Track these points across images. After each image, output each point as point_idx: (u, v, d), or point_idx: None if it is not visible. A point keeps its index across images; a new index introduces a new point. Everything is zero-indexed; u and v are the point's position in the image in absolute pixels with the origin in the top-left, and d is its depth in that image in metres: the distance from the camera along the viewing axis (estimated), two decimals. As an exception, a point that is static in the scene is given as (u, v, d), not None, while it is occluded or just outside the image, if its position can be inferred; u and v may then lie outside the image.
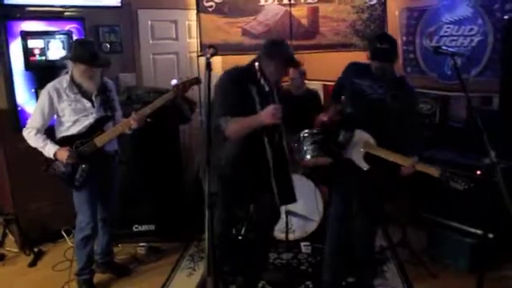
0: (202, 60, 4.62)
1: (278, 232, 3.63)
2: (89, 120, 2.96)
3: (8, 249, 3.77)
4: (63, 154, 2.86)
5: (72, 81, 2.93)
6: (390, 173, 2.84)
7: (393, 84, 2.84)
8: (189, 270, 3.41)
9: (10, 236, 3.89)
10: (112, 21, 4.03)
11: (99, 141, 2.96)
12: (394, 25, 4.35)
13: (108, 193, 3.19)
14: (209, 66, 2.12)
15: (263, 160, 2.64)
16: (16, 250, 3.74)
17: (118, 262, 3.53)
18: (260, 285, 3.13)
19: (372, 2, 4.28)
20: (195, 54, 4.56)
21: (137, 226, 3.83)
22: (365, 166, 2.82)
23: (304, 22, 4.40)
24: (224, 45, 4.45)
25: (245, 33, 4.47)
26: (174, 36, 4.58)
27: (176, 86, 3.06)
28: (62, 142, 2.93)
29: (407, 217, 3.63)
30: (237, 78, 2.64)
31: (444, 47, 2.50)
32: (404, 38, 4.36)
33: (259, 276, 3.11)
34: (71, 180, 2.94)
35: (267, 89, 2.61)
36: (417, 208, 3.66)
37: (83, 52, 2.86)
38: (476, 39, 3.84)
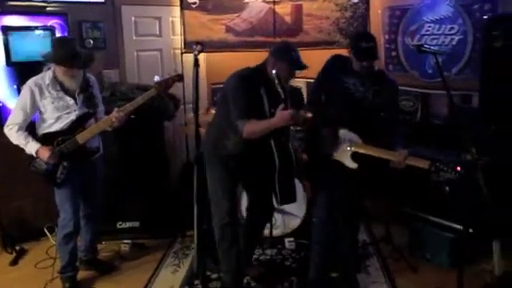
0: (186, 57, 4.65)
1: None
2: (71, 117, 2.94)
3: (-9, 246, 3.74)
4: (45, 153, 2.84)
5: (54, 78, 2.91)
6: (378, 169, 2.89)
7: (374, 79, 2.87)
8: (173, 266, 3.41)
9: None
10: (95, 17, 3.99)
11: (81, 138, 2.94)
12: (377, 23, 4.41)
13: (90, 189, 3.17)
14: (196, 62, 2.13)
15: (269, 160, 2.67)
16: (-2, 247, 3.71)
17: (102, 259, 3.51)
18: (245, 281, 3.16)
19: (355, 1, 4.32)
20: (179, 51, 4.53)
21: (121, 222, 3.81)
22: (353, 166, 2.84)
23: (287, 19, 4.43)
24: (208, 42, 4.44)
25: (228, 30, 4.47)
26: (158, 32, 4.56)
27: (158, 83, 3.05)
28: (44, 139, 2.91)
29: (390, 213, 3.69)
30: (247, 79, 2.67)
31: (426, 45, 2.54)
32: (386, 37, 4.41)
33: (243, 272, 3.12)
34: (53, 177, 2.92)
35: (279, 89, 2.60)
36: (399, 204, 3.72)
37: (64, 52, 2.82)
38: (456, 38, 3.92)
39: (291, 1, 4.40)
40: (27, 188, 3.59)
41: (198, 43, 2.20)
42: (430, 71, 4.15)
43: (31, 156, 2.89)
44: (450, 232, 3.29)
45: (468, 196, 3.14)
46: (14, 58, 3.43)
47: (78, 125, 2.96)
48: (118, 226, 3.81)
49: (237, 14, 4.45)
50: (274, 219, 3.66)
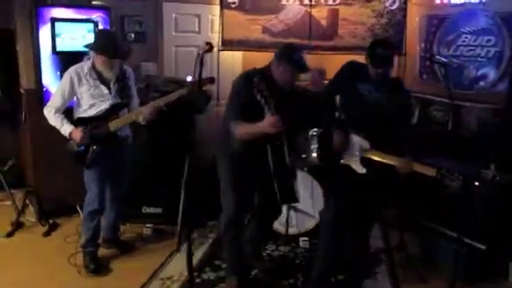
0: (223, 54, 4.83)
1: (279, 225, 3.76)
2: (105, 105, 3.16)
3: (27, 218, 4.05)
4: (77, 135, 3.09)
5: (93, 67, 3.14)
6: (387, 175, 2.91)
7: (389, 86, 2.89)
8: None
9: (31, 207, 4.19)
10: (137, 12, 4.24)
11: (112, 125, 3.15)
12: (413, 31, 4.37)
13: (117, 173, 3.38)
14: (201, 61, 2.25)
15: (264, 162, 2.71)
16: (34, 220, 4.02)
17: (124, 239, 3.74)
18: (253, 273, 3.27)
19: (392, 8, 4.31)
20: (216, 49, 4.70)
21: (145, 207, 4.01)
22: (361, 170, 2.89)
23: (323, 23, 4.49)
24: (245, 41, 4.60)
25: (265, 30, 4.59)
26: (197, 30, 4.75)
27: (191, 83, 3.22)
28: (78, 123, 3.15)
29: (406, 222, 3.67)
30: (249, 80, 2.67)
31: (437, 57, 2.55)
32: (422, 45, 4.37)
33: (251, 265, 3.24)
34: (83, 159, 3.16)
35: (258, 98, 2.60)
36: (417, 214, 3.69)
37: (106, 43, 3.05)
38: (492, 50, 3.83)
39: (328, 5, 4.46)
40: (63, 167, 3.85)
41: (207, 43, 2.32)
42: (464, 83, 4.07)
43: (66, 138, 3.15)
44: (464, 247, 3.24)
45: (483, 212, 3.11)
46: (59, 48, 3.71)
47: (111, 113, 3.17)
48: (142, 210, 4.01)
49: (274, 16, 4.56)
50: (290, 218, 3.77)
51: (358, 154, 2.91)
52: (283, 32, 4.56)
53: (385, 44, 2.87)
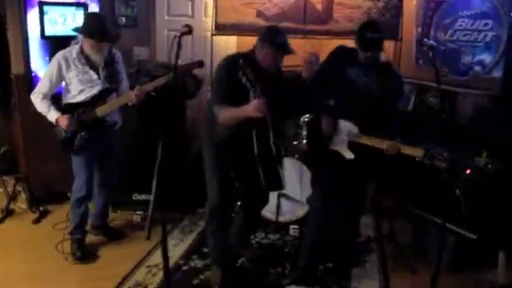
0: (216, 39, 4.75)
1: (269, 213, 3.75)
2: (93, 91, 3.12)
3: (18, 205, 4.04)
4: (64, 121, 3.05)
5: (81, 52, 3.08)
6: (376, 160, 2.85)
7: (379, 70, 2.83)
8: (177, 240, 3.57)
9: (23, 194, 4.18)
10: (128, -5, 4.17)
11: (100, 111, 3.11)
12: (410, 15, 4.27)
13: (106, 159, 3.36)
14: (179, 44, 2.19)
15: (249, 148, 2.67)
16: (24, 207, 4.00)
17: (114, 226, 3.73)
18: (240, 261, 3.25)
19: (389, -10, 4.21)
20: (210, 33, 4.62)
21: (136, 194, 3.98)
22: (350, 155, 2.85)
23: (318, 7, 4.39)
24: (238, 25, 4.51)
25: (259, 14, 4.49)
26: (190, 13, 4.67)
27: (179, 66, 3.16)
28: (66, 109, 3.11)
29: (397, 210, 3.63)
30: (233, 64, 2.63)
31: (426, 40, 2.49)
32: (419, 30, 4.27)
33: (238, 253, 3.22)
34: (70, 145, 3.12)
35: (243, 81, 2.54)
36: (407, 201, 3.65)
37: (94, 27, 2.99)
38: (490, 34, 3.72)
39: (323, -12, 4.36)
40: (54, 154, 3.82)
41: (186, 25, 2.25)
42: (462, 68, 3.98)
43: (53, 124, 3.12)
44: (453, 236, 3.20)
45: (475, 200, 3.05)
46: (47, 32, 3.65)
47: (99, 98, 3.12)
48: (133, 197, 3.98)
49: (268, -1, 4.47)
50: (280, 205, 3.74)
51: (346, 139, 2.86)
52: (277, 16, 4.47)
53: (374, 27, 2.79)
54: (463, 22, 3.88)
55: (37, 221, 3.81)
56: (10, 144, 4.59)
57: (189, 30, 2.23)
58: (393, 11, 4.20)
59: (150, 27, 4.43)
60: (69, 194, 4.01)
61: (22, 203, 4.07)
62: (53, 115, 3.06)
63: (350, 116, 2.88)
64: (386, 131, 2.74)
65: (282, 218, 3.75)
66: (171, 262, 3.20)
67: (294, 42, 4.52)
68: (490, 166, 2.74)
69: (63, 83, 3.14)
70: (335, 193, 2.87)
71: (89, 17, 3.16)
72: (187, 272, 3.12)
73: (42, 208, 3.92)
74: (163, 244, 2.15)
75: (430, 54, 2.36)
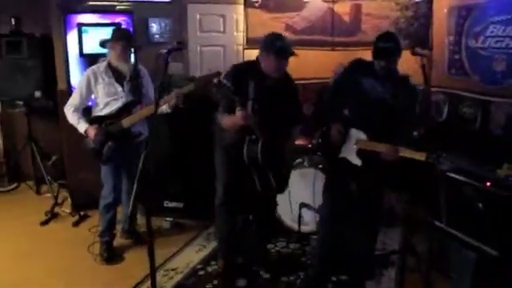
0: (248, 52, 4.89)
1: (291, 222, 3.79)
2: (118, 103, 3.36)
3: (63, 209, 4.41)
4: (92, 132, 3.30)
5: (109, 65, 3.36)
6: (387, 168, 2.83)
7: (395, 82, 2.83)
8: (199, 246, 3.70)
9: (69, 199, 4.54)
10: (162, 14, 4.42)
11: (125, 122, 3.34)
12: (441, 23, 4.16)
13: (132, 169, 3.57)
14: (166, 60, 2.34)
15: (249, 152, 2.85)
16: (68, 211, 4.36)
17: (141, 231, 3.94)
18: (254, 267, 3.32)
19: (418, 0, 4.13)
20: (242, 47, 4.78)
21: (167, 202, 4.17)
22: (357, 162, 2.86)
23: (346, 18, 4.40)
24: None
25: (288, 28, 4.59)
26: (222, 29, 4.85)
27: (198, 78, 3.36)
28: (94, 121, 3.37)
29: (418, 222, 3.52)
30: (237, 72, 2.82)
31: (417, 49, 2.49)
32: (451, 38, 4.13)
33: (254, 260, 3.32)
34: (99, 155, 3.37)
35: (270, 84, 2.75)
36: (432, 215, 3.53)
37: (121, 35, 3.30)
38: (523, 41, 3.55)
39: (350, 0, 4.36)
40: (92, 163, 4.13)
41: (178, 42, 2.40)
42: (494, 77, 3.81)
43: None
44: (475, 252, 3.05)
45: (498, 215, 2.91)
46: (85, 50, 3.98)
47: (124, 110, 3.36)
48: (164, 204, 4.18)
49: (296, 13, 4.55)
50: (304, 216, 3.76)
51: (354, 148, 2.88)
52: (306, 29, 4.54)
53: (387, 37, 2.83)
54: (494, 28, 3.72)
55: (76, 224, 4.12)
56: (60, 153, 5.02)
57: (178, 47, 2.38)
58: (422, 20, 4.12)
59: (183, 44, 4.65)
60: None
61: (66, 207, 4.43)
62: (82, 126, 3.33)
63: (362, 126, 2.89)
64: (395, 142, 2.72)
65: (304, 228, 3.77)
66: (189, 267, 3.35)
67: (324, 55, 4.60)
68: (511, 179, 2.63)
69: (93, 97, 3.42)
70: (344, 200, 2.88)
71: (115, 30, 3.43)
72: (202, 277, 3.24)
73: (82, 212, 4.24)
74: (149, 245, 2.25)
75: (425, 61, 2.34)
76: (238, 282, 3.15)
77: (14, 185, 5.05)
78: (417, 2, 4.13)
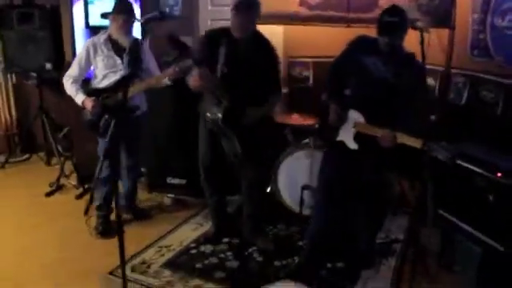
0: (262, 28, 4.68)
1: (294, 204, 3.67)
2: (116, 76, 3.30)
3: (69, 181, 4.43)
4: (89, 103, 3.26)
5: (109, 37, 3.30)
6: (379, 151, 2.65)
7: (400, 61, 2.63)
8: (196, 225, 3.64)
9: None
10: (172, -14, 4.30)
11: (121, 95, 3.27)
12: (464, 0, 3.84)
13: (132, 143, 3.53)
14: (144, 31, 2.23)
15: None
16: (74, 183, 4.37)
17: (144, 207, 3.91)
18: (250, 250, 3.23)
19: (440, -27, 3.83)
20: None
21: (170, 178, 4.10)
22: (353, 146, 2.71)
23: (362, -7, 4.14)
24: (281, 14, 4.42)
25: (302, 3, 4.36)
26: (234, 3, 4.67)
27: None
28: (92, 93, 3.32)
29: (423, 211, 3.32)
30: (209, 36, 2.92)
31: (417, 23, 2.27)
32: (475, 16, 3.81)
33: (252, 242, 3.28)
34: (96, 127, 3.33)
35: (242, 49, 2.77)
36: (438, 204, 3.32)
37: (122, 7, 3.22)
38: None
39: (368, -27, 4.10)
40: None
41: (160, 12, 2.29)
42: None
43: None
44: (481, 246, 2.84)
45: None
46: (91, 22, 3.92)
47: (121, 84, 3.28)
48: (167, 180, 4.12)
49: (311, -13, 4.32)
50: (306, 199, 3.63)
51: (352, 130, 2.71)
52: (321, 4, 4.29)
53: (393, 11, 2.63)
54: (523, 5, 3.41)
55: (79, 196, 4.13)
56: (71, 125, 5.04)
57: (157, 17, 2.29)
58: (444, -4, 3.82)
59: (193, 17, 4.52)
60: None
61: (73, 180, 4.44)
62: (79, 98, 3.28)
63: (361, 107, 2.72)
64: (394, 124, 2.53)
65: (306, 211, 3.64)
66: (182, 245, 3.29)
67: (339, 31, 4.35)
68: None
69: (92, 68, 3.35)
70: (339, 185, 2.73)
71: (116, 2, 3.34)
72: (194, 256, 3.17)
73: (86, 185, 4.24)
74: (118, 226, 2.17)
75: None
76: (229, 264, 3.07)
77: (26, 155, 5.12)
78: (440, -24, 3.83)
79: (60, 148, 4.84)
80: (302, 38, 4.74)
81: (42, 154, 5.03)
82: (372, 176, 2.78)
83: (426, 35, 2.45)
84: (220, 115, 2.84)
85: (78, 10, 3.93)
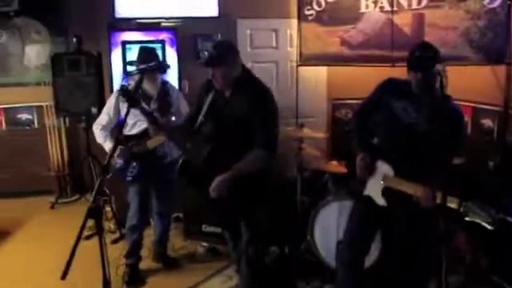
0: (301, 69, 4.57)
1: (330, 259, 3.39)
2: (145, 124, 3.27)
3: (110, 225, 4.45)
4: (117, 151, 3.25)
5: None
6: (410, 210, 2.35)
7: (434, 104, 2.33)
8: (226, 277, 3.46)
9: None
10: (210, 30, 4.30)
11: (150, 143, 3.25)
12: (521, 33, 3.47)
13: (161, 191, 3.47)
14: (140, 80, 2.15)
15: None
16: (113, 227, 4.38)
17: (176, 255, 3.80)
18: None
19: (493, 5, 3.48)
20: (295, 64, 4.48)
21: (206, 226, 4.00)
22: (382, 202, 2.43)
23: (407, 30, 3.89)
24: (322, 55, 4.28)
25: (343, 43, 4.20)
26: (275, 44, 4.61)
27: None
28: (121, 141, 3.32)
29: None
30: (204, 84, 2.77)
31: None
32: (535, 51, 3.43)
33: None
34: (124, 174, 3.31)
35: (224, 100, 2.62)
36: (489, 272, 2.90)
37: (146, 55, 3.18)
38: None
39: (412, 9, 3.85)
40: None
41: (159, 62, 2.22)
42: None
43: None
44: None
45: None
46: (129, 68, 3.99)
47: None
48: (203, 228, 4.02)
49: (352, 26, 4.14)
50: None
51: (381, 184, 2.43)
52: (363, 43, 4.10)
53: (424, 47, 2.39)
54: None
55: (115, 241, 4.11)
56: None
57: (155, 67, 2.21)
58: (498, 29, 3.45)
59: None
60: (151, 220, 4.32)
61: (112, 224, 4.45)
62: (107, 145, 3.30)
63: (390, 157, 2.45)
64: (425, 178, 2.24)
65: (343, 267, 3.34)
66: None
67: (385, 71, 4.13)
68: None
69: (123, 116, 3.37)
70: (363, 246, 2.46)
71: (140, 50, 3.34)
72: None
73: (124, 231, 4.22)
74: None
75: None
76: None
77: (76, 196, 5.27)
78: (491, 9, 3.48)
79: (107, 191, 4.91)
80: (347, 78, 4.56)
81: (89, 196, 5.14)
82: (405, 235, 2.48)
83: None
84: (178, 168, 2.80)
85: (116, 57, 4.03)
